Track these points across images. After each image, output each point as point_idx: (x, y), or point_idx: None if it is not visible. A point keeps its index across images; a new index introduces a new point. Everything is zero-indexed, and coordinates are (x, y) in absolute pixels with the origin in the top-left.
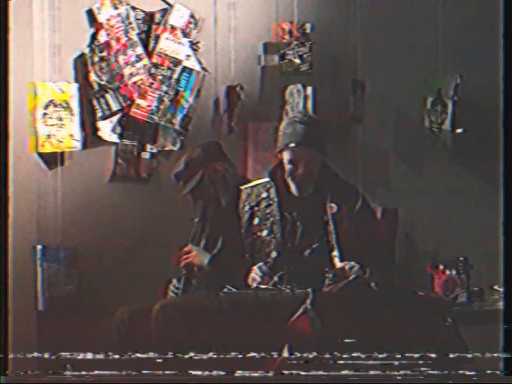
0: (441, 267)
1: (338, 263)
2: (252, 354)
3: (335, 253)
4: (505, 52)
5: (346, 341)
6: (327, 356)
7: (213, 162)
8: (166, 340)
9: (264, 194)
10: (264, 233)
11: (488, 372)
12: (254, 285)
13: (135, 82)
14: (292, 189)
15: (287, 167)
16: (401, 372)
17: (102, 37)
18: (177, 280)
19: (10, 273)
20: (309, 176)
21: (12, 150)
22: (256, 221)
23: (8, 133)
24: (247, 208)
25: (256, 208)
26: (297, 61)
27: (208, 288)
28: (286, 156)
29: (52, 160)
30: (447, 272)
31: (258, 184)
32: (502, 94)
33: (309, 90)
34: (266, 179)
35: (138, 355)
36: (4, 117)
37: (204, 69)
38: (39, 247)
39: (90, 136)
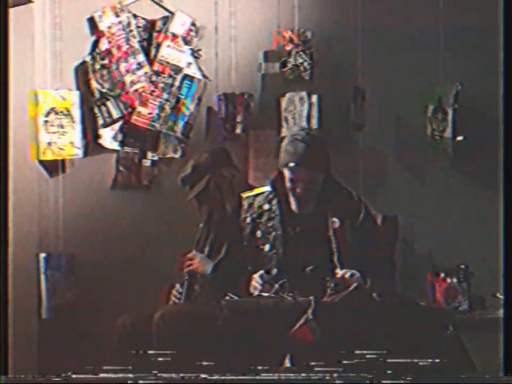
0: (442, 275)
1: (338, 272)
2: (253, 365)
3: (337, 270)
4: (505, 59)
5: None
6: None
7: (220, 168)
8: (166, 348)
9: (266, 206)
10: (266, 247)
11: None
12: (256, 293)
13: (136, 90)
14: (292, 205)
15: (287, 184)
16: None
17: (103, 45)
18: (180, 286)
19: (11, 281)
20: (309, 195)
21: (13, 158)
22: (258, 234)
23: (8, 140)
24: (249, 220)
25: (258, 221)
26: (298, 68)
27: (209, 296)
28: (286, 173)
29: (53, 167)
30: (448, 280)
31: (260, 193)
32: (502, 101)
33: (314, 98)
34: (268, 188)
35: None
36: (4, 124)
37: (205, 76)
38: (42, 255)
39: (92, 143)
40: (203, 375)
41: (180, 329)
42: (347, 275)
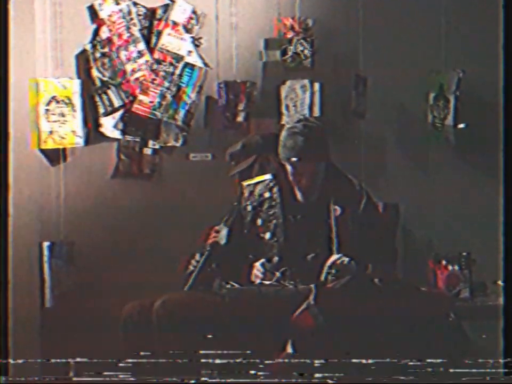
0: (443, 262)
1: (334, 256)
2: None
3: (334, 256)
4: (506, 46)
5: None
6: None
7: (268, 152)
8: (167, 336)
9: (267, 194)
10: (267, 236)
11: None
12: (257, 281)
13: (137, 79)
14: (297, 196)
15: (291, 177)
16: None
17: (104, 33)
18: (199, 255)
19: (11, 270)
20: (313, 185)
21: (14, 147)
22: (259, 222)
23: (9, 129)
24: (249, 208)
25: (259, 209)
26: (299, 56)
27: (210, 284)
28: (288, 168)
29: (55, 156)
30: (450, 267)
31: (261, 181)
32: (502, 88)
33: (316, 86)
34: (269, 176)
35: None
36: (5, 113)
37: (206, 64)
38: (46, 243)
39: (93, 132)
40: (203, 378)
41: (181, 316)
42: (342, 261)
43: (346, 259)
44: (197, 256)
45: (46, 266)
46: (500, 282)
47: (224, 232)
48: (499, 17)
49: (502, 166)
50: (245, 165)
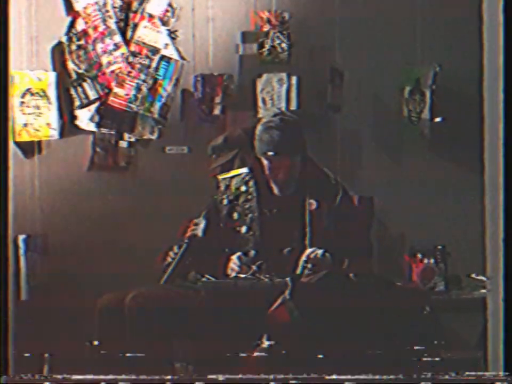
0: (419, 256)
1: (308, 250)
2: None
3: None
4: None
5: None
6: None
7: (250, 147)
8: (140, 330)
9: (243, 188)
10: (243, 229)
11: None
12: (233, 274)
13: (113, 71)
14: (274, 190)
15: (267, 172)
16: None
17: (80, 25)
18: (177, 247)
19: None
20: (290, 179)
21: None
22: (235, 215)
23: None
24: (225, 201)
25: (235, 202)
26: (276, 49)
27: (185, 277)
28: (265, 162)
29: (29, 149)
30: (425, 260)
31: (237, 175)
32: (478, 82)
33: (294, 80)
34: (246, 170)
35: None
36: None
37: (182, 57)
38: (21, 236)
39: (68, 125)
40: (196, 376)
41: (153, 311)
42: (315, 254)
43: (320, 251)
44: (175, 249)
45: (22, 259)
46: (474, 276)
47: (202, 225)
48: (477, 10)
49: (478, 159)
50: (225, 159)
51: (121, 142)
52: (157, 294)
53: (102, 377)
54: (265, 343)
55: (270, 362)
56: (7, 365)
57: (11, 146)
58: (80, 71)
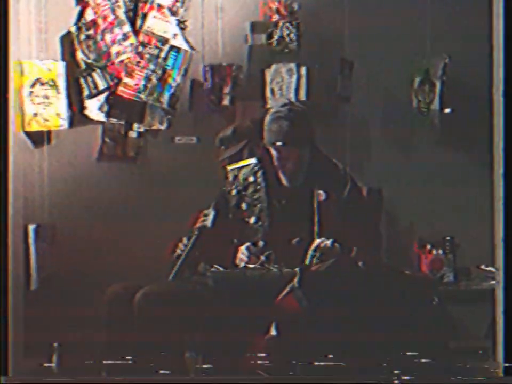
0: (428, 247)
1: (316, 241)
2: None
3: (316, 240)
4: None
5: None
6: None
7: (259, 138)
8: (149, 329)
9: (251, 179)
10: (252, 220)
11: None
12: (242, 265)
13: (122, 61)
14: (283, 180)
15: (276, 162)
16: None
17: (89, 15)
18: (187, 239)
19: None
20: (298, 170)
21: None
22: (244, 206)
23: None
24: (234, 192)
25: (243, 193)
26: (285, 39)
27: (194, 268)
28: (273, 152)
29: (39, 138)
30: (434, 251)
31: (246, 165)
32: (488, 74)
33: (303, 70)
34: (254, 160)
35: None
36: None
37: (191, 47)
38: (31, 226)
39: (77, 114)
40: (203, 375)
41: (163, 309)
42: (325, 245)
43: (328, 242)
44: (185, 240)
45: (32, 249)
46: (484, 267)
47: (211, 215)
48: (487, 2)
49: (489, 152)
50: (234, 150)
51: (130, 132)
52: (166, 292)
53: (102, 377)
54: (274, 332)
55: (279, 349)
56: (7, 365)
57: (20, 136)
58: (89, 61)
